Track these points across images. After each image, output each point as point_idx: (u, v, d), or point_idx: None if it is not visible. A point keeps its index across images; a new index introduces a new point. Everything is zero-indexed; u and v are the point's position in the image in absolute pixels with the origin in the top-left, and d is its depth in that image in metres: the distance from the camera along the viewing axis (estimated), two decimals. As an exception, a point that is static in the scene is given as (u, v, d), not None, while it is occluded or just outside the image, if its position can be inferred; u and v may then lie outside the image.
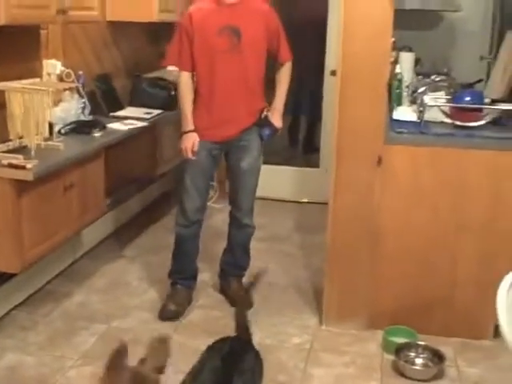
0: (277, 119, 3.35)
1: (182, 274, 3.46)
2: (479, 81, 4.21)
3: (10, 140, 3.05)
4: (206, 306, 3.45)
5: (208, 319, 3.31)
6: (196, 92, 3.26)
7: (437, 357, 2.87)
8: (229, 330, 2.35)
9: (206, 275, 3.72)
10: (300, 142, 6.02)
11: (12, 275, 3.19)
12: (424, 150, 3.00)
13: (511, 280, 1.88)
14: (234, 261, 3.54)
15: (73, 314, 3.34)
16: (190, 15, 3.18)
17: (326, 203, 4.80)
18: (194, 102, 3.26)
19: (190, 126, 3.23)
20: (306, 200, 5.20)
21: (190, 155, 3.22)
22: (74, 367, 2.85)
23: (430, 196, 3.03)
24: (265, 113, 3.31)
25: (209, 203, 4.75)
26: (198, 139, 3.22)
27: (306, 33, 5.29)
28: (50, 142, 3.16)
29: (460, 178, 2.99)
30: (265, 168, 5.20)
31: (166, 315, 3.30)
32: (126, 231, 4.47)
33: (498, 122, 3.17)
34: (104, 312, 3.35)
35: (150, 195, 4.99)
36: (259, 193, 4.92)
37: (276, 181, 5.24)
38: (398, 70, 3.53)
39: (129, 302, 3.47)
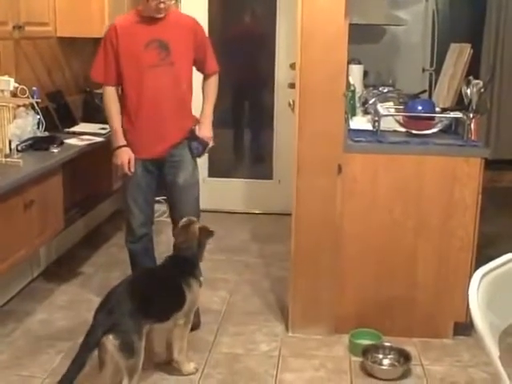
0: (204, 131, 3.28)
1: None
2: (423, 91, 4.41)
3: (-31, 157, 3.01)
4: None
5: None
6: (122, 107, 3.19)
7: (403, 356, 2.97)
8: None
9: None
10: (246, 154, 6.02)
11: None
12: (381, 157, 3.12)
13: (481, 275, 1.96)
14: None
15: (36, 332, 3.28)
16: (114, 27, 3.10)
17: (279, 214, 4.99)
18: (121, 117, 3.19)
19: (122, 141, 3.18)
20: (258, 211, 5.26)
21: (127, 171, 3.18)
22: (43, 386, 2.82)
23: (388, 201, 3.14)
24: (192, 127, 3.26)
25: (162, 218, 4.77)
26: (132, 154, 3.18)
27: (247, 46, 5.36)
28: (9, 159, 3.12)
29: (415, 183, 3.11)
30: (216, 181, 5.32)
31: None
32: (82, 248, 4.42)
33: (448, 130, 3.33)
34: (68, 329, 3.30)
35: (104, 212, 4.94)
36: (211, 206, 5.01)
37: (228, 193, 5.30)
38: (350, 81, 3.65)
39: (92, 318, 3.42)
